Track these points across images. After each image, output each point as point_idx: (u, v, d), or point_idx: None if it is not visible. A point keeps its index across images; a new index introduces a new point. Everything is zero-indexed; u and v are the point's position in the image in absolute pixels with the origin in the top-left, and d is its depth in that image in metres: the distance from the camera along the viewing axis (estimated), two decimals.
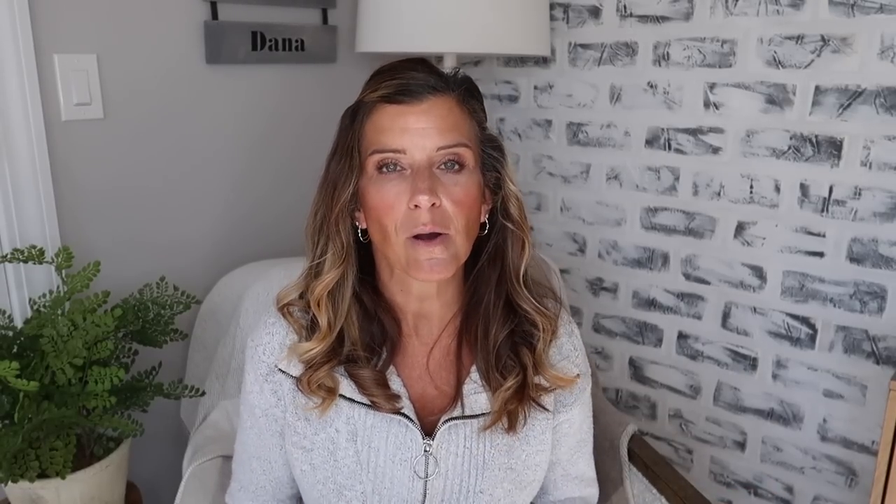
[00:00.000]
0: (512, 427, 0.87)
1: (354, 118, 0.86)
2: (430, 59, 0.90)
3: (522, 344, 0.90)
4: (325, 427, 0.87)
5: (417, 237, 0.80)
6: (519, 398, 0.87)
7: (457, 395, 0.88)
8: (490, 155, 0.88)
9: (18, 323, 1.26)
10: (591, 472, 1.03)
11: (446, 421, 0.86)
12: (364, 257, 0.90)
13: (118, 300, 1.25)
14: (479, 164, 0.86)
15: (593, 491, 1.04)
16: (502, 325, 0.89)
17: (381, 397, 0.85)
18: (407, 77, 0.83)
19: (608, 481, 1.24)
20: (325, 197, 0.86)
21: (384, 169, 0.82)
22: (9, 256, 1.15)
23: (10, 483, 1.09)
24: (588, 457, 1.02)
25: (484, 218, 0.89)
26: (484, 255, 0.90)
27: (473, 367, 0.89)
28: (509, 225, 0.88)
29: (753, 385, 1.60)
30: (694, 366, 1.68)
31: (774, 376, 1.57)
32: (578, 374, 0.93)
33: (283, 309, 0.90)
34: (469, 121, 0.86)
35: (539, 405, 0.90)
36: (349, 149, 0.84)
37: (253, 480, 0.95)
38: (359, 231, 0.87)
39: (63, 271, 1.17)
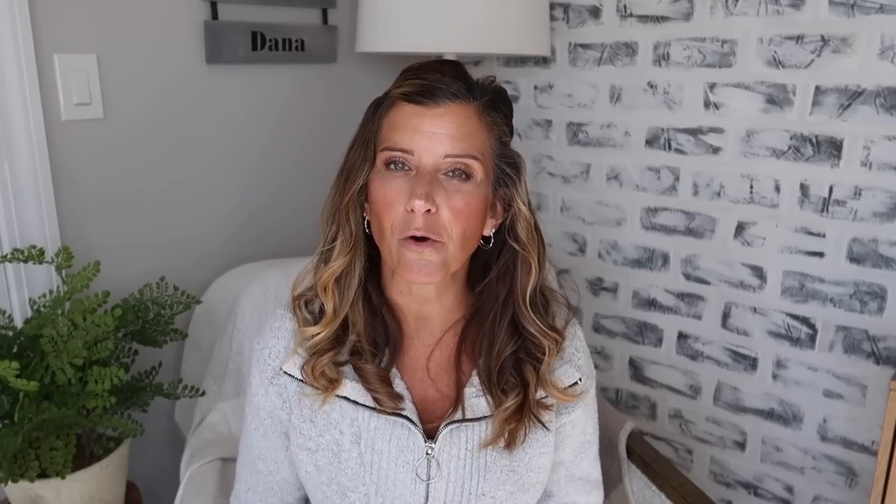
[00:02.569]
0: (511, 444, 0.87)
1: (376, 110, 0.86)
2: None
3: (527, 361, 0.89)
4: (330, 429, 0.87)
5: (409, 238, 0.81)
6: (518, 416, 0.87)
7: (457, 399, 0.88)
8: (504, 171, 0.87)
9: (18, 323, 1.26)
10: (596, 473, 1.02)
11: (448, 424, 0.86)
12: (373, 255, 0.90)
13: (118, 300, 1.25)
14: (492, 179, 0.85)
15: (598, 495, 1.03)
16: (507, 343, 0.88)
17: (384, 394, 0.85)
18: (431, 79, 0.82)
19: (607, 479, 1.24)
20: (340, 184, 0.87)
21: (391, 166, 0.82)
22: (9, 256, 1.15)
23: (10, 483, 1.09)
24: (593, 458, 1.01)
25: (489, 232, 0.88)
26: (493, 272, 0.90)
27: (474, 372, 0.89)
28: (516, 246, 0.87)
29: (753, 385, 1.60)
30: (694, 366, 1.68)
31: (774, 376, 1.57)
32: (578, 380, 0.92)
33: (296, 301, 0.91)
34: (486, 133, 0.85)
35: (540, 422, 0.89)
36: (366, 140, 0.85)
37: (260, 482, 0.95)
38: (366, 223, 0.88)
39: (63, 271, 1.17)
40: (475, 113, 0.83)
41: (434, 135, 0.81)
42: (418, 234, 0.80)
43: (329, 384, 0.86)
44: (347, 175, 0.85)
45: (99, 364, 1.13)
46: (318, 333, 0.86)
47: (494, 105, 0.86)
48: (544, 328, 0.89)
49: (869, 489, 1.30)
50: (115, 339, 1.19)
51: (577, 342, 0.95)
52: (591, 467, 1.01)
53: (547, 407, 0.90)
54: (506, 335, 0.88)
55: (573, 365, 0.93)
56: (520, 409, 0.86)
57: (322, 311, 0.88)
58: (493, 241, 0.89)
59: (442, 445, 0.86)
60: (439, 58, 0.88)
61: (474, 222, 0.83)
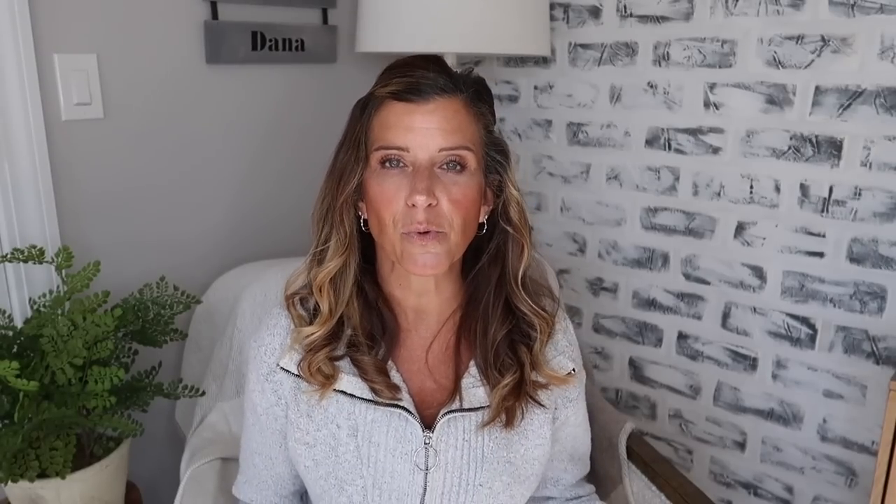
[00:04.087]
0: (510, 423, 0.89)
1: (364, 111, 0.87)
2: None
3: (520, 342, 0.91)
4: (327, 423, 0.88)
5: (412, 232, 0.82)
6: (516, 395, 0.89)
7: (455, 389, 0.89)
8: (494, 158, 0.89)
9: (18, 323, 1.26)
10: (587, 452, 1.08)
11: (445, 414, 0.87)
12: (368, 248, 0.92)
13: (118, 300, 1.25)
14: (482, 167, 0.87)
15: (587, 468, 1.09)
16: (501, 325, 0.91)
17: (381, 384, 0.86)
18: (417, 75, 0.84)
19: (607, 479, 1.24)
20: (332, 186, 0.88)
21: (387, 164, 0.84)
22: (9, 256, 1.15)
23: (10, 483, 1.09)
24: (588, 440, 1.07)
25: (483, 218, 0.90)
26: (485, 256, 0.92)
27: (472, 362, 0.91)
28: (509, 229, 0.90)
29: (753, 385, 1.60)
30: (694, 366, 1.68)
31: (774, 376, 1.57)
32: (573, 371, 0.95)
33: (290, 300, 0.92)
34: (475, 123, 0.87)
35: (536, 401, 0.91)
36: (356, 140, 0.86)
37: (256, 475, 0.98)
38: (361, 221, 0.89)
39: (63, 271, 1.17)
40: (463, 105, 0.86)
41: (427, 130, 0.82)
42: (422, 228, 0.81)
43: (325, 380, 0.87)
44: (340, 176, 0.87)
45: (99, 364, 1.13)
46: (314, 332, 0.88)
47: (479, 95, 0.89)
48: (536, 307, 0.92)
49: (869, 489, 1.30)
50: (115, 339, 1.19)
51: (569, 336, 0.99)
52: (585, 448, 1.06)
53: (543, 386, 0.92)
54: (500, 317, 0.91)
55: (567, 356, 0.96)
56: (517, 387, 0.89)
57: (317, 307, 0.90)
58: (485, 227, 0.91)
59: (440, 435, 0.87)
60: (420, 54, 0.90)
61: (472, 211, 0.86)
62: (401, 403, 0.87)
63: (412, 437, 0.86)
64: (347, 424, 0.87)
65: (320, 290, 0.88)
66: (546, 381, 0.92)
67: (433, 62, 0.87)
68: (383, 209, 0.83)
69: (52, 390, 1.10)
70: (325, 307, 0.88)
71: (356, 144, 0.86)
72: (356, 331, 0.89)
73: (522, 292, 0.91)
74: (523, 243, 0.90)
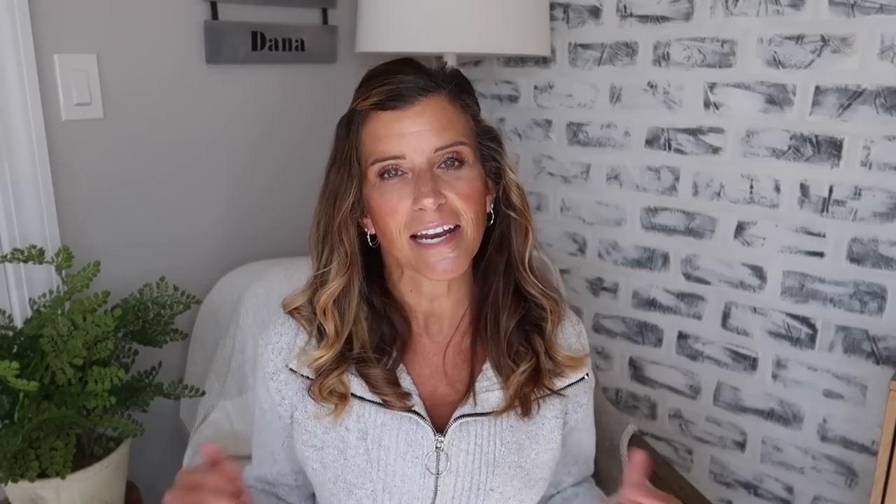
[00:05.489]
0: (526, 412, 0.89)
1: (350, 127, 0.86)
2: (430, 60, 0.90)
3: (533, 331, 0.91)
4: (336, 426, 0.87)
5: (422, 238, 0.82)
6: (533, 382, 0.89)
7: (468, 391, 0.89)
8: (488, 146, 0.89)
9: (18, 323, 1.26)
10: (593, 451, 1.08)
11: (458, 418, 0.87)
12: (373, 261, 0.91)
13: (118, 300, 1.25)
14: (479, 157, 0.87)
15: (590, 469, 1.09)
16: (513, 313, 0.90)
17: (392, 396, 0.86)
18: (396, 81, 0.83)
19: (609, 481, 1.24)
20: (327, 207, 0.87)
21: (385, 175, 0.83)
22: (9, 256, 1.15)
23: (10, 483, 1.09)
24: (594, 440, 1.07)
25: (490, 208, 0.90)
26: (490, 245, 0.92)
27: (487, 364, 0.90)
28: (512, 213, 0.90)
29: (753, 385, 1.60)
30: (694, 366, 1.68)
31: (774, 376, 1.57)
32: (588, 355, 0.96)
33: (293, 313, 0.91)
34: (463, 116, 0.87)
35: (552, 390, 0.91)
36: (347, 158, 0.85)
37: (257, 466, 1.00)
38: (368, 237, 0.89)
39: (63, 271, 1.17)
40: (447, 101, 0.85)
41: (418, 133, 0.82)
42: (433, 226, 0.81)
43: (340, 400, 0.86)
44: (335, 196, 0.86)
45: (99, 364, 1.13)
46: (321, 356, 0.86)
47: (461, 87, 0.88)
48: (544, 289, 0.92)
49: (869, 489, 1.30)
50: (115, 339, 1.19)
51: (578, 327, 0.99)
52: (589, 452, 1.06)
53: (557, 374, 0.92)
54: (511, 305, 0.90)
55: (579, 345, 0.97)
56: (533, 375, 0.89)
57: (322, 325, 0.88)
58: (492, 217, 0.91)
59: (451, 439, 0.86)
60: (393, 59, 0.89)
61: (482, 203, 0.86)
62: (413, 408, 0.86)
63: (423, 441, 0.86)
64: (357, 427, 0.86)
65: (324, 313, 0.86)
66: (562, 364, 0.92)
67: (407, 64, 0.86)
68: (389, 219, 0.82)
69: (52, 390, 1.10)
70: (330, 330, 0.86)
71: (347, 162, 0.85)
72: (364, 347, 0.87)
73: (531, 275, 0.91)
74: (527, 226, 0.90)
